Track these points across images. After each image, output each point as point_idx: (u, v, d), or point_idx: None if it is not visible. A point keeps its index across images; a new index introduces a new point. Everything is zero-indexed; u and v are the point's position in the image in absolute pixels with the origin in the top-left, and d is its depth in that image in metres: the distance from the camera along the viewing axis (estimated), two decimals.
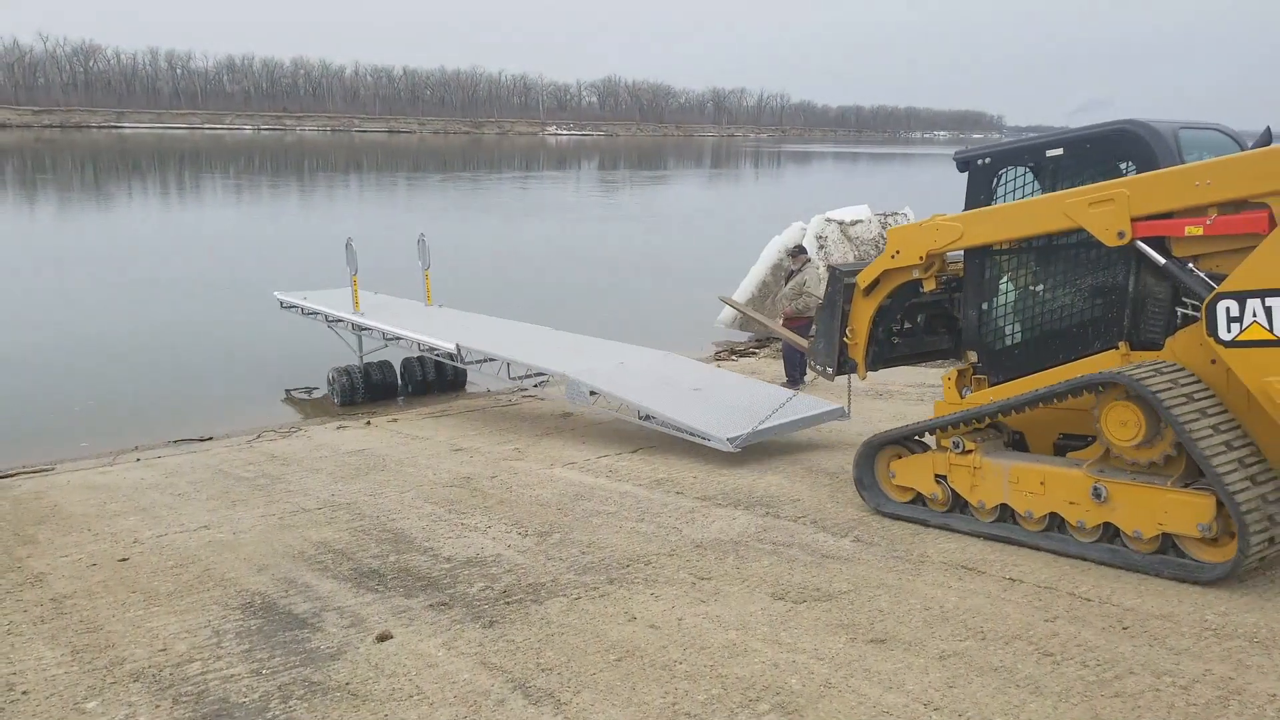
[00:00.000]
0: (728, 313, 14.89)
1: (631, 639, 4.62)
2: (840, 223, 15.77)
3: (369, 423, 10.52)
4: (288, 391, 12.58)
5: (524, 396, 11.23)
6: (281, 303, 12.97)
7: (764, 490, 6.95)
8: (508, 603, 5.13)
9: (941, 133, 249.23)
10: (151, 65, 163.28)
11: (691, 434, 7.82)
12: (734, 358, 13.77)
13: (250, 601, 5.32)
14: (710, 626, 4.72)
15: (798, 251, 11.28)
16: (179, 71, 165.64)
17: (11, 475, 8.75)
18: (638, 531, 6.19)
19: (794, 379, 10.58)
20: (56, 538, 6.62)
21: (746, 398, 8.47)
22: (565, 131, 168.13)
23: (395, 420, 10.61)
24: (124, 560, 6.06)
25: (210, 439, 10.29)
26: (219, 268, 21.90)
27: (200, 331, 15.58)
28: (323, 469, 8.32)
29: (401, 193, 48.32)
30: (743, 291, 14.92)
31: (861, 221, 16.10)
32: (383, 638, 4.76)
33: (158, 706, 4.19)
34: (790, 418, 7.96)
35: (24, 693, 4.39)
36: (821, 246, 15.13)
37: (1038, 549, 5.43)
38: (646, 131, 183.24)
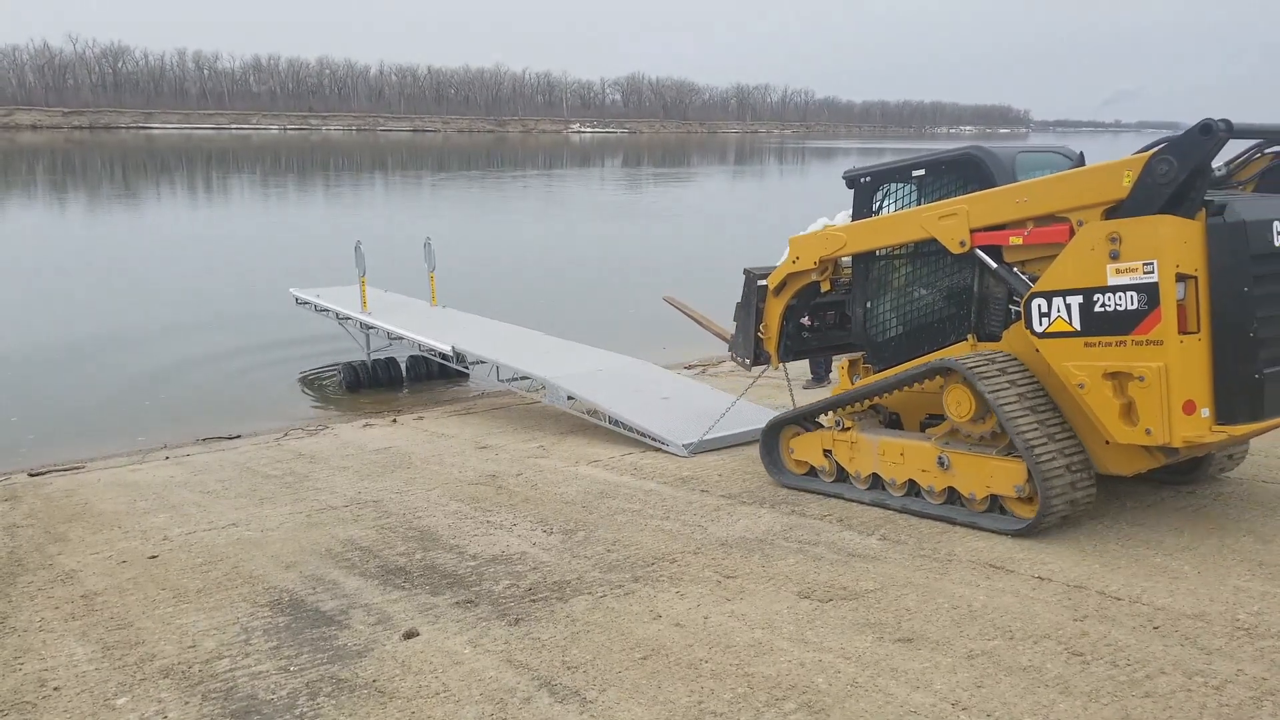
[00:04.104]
0: None
1: (657, 637, 4.62)
2: None
3: (395, 420, 10.59)
4: (302, 373, 13.54)
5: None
6: (296, 299, 13.76)
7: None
8: (533, 600, 5.14)
9: (967, 128, 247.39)
10: (179, 66, 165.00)
11: (653, 439, 8.35)
12: None
13: (278, 599, 5.36)
14: (736, 625, 4.70)
15: None
16: (206, 72, 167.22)
17: (43, 473, 8.87)
18: (662, 529, 6.19)
19: (818, 375, 10.56)
20: (87, 535, 6.70)
21: (709, 405, 8.88)
22: (589, 129, 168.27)
23: (421, 418, 10.66)
24: (154, 557, 6.13)
25: (238, 437, 10.37)
26: (243, 267, 22.11)
27: (222, 332, 15.74)
28: (349, 466, 8.37)
29: (424, 192, 48.54)
30: None
31: None
32: (409, 635, 4.78)
33: (187, 703, 4.23)
34: (743, 427, 8.32)
35: (56, 688, 4.45)
36: None
37: (901, 511, 6.18)
38: (670, 128, 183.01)
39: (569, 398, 9.32)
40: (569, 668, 4.37)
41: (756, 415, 8.57)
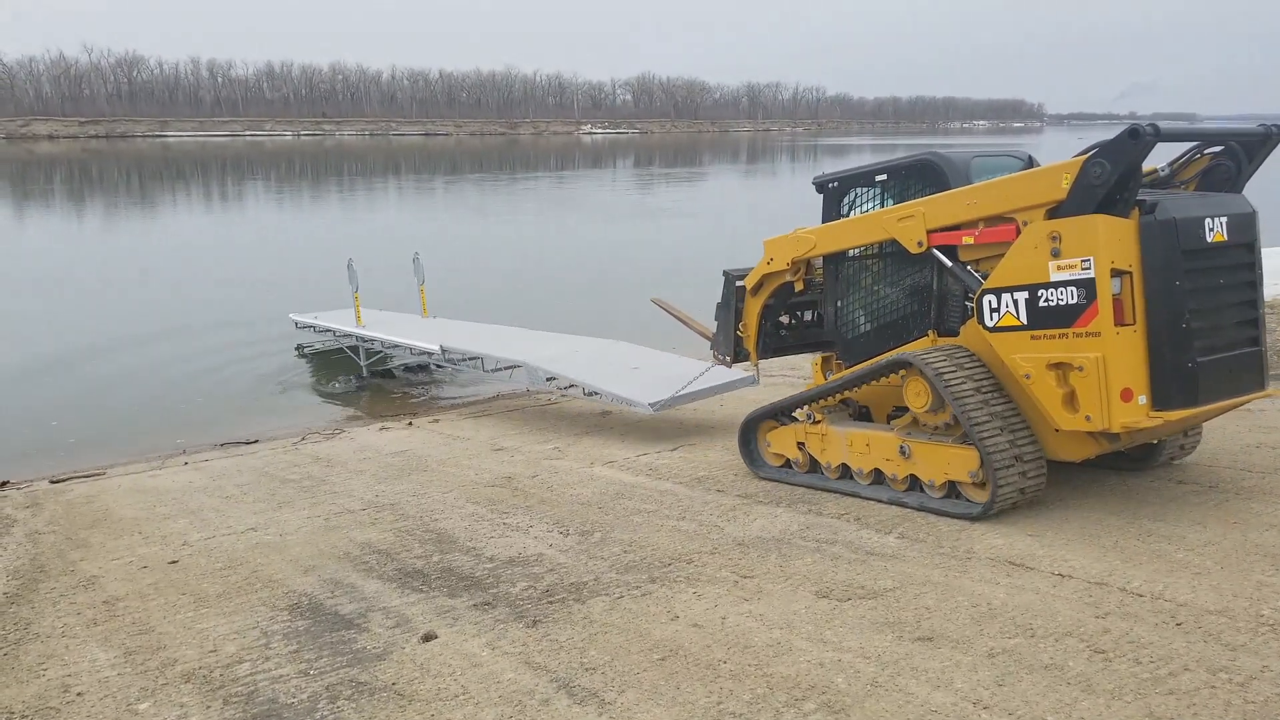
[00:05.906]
0: None
1: (675, 638, 4.61)
2: None
3: (411, 423, 10.62)
4: (300, 348, 14.46)
5: (562, 396, 11.29)
6: (296, 323, 14.36)
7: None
8: (550, 602, 5.14)
9: (981, 122, 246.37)
10: (193, 74, 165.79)
11: (623, 402, 9.05)
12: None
13: (297, 602, 5.38)
14: (754, 625, 4.69)
15: None
16: (220, 80, 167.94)
17: (64, 480, 8.93)
18: (679, 530, 6.18)
19: None
20: (108, 541, 6.75)
21: (674, 371, 9.58)
22: (600, 130, 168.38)
23: (436, 421, 10.69)
24: (174, 562, 6.16)
25: (256, 442, 10.42)
26: (254, 273, 22.22)
27: (236, 336, 15.84)
28: (366, 470, 8.39)
29: (438, 198, 48.65)
30: None
31: None
32: (428, 638, 4.79)
33: (209, 707, 4.26)
34: (707, 384, 9.09)
35: (79, 694, 4.48)
36: None
37: (867, 499, 6.44)
38: (681, 128, 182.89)
39: (547, 378, 10.00)
40: (587, 669, 4.37)
41: (718, 375, 9.14)
